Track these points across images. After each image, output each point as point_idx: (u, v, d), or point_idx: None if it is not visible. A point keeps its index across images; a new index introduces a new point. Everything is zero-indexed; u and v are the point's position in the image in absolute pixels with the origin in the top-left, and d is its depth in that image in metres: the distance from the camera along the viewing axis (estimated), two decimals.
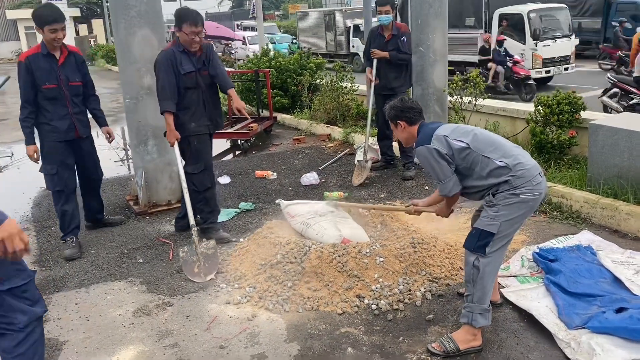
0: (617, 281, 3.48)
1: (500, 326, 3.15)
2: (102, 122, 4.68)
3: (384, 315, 3.32)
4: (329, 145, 7.82)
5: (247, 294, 3.62)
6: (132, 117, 5.20)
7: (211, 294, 3.72)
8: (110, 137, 4.75)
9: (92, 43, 33.37)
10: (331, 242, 3.85)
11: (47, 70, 4.18)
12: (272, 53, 10.91)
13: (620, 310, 3.05)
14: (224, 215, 5.04)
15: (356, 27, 21.24)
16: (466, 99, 6.59)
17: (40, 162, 4.39)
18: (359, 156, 6.60)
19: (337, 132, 8.15)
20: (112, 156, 7.85)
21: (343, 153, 7.16)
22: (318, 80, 9.76)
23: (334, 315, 3.36)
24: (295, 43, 23.32)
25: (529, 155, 2.99)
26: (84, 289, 3.90)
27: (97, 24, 38.71)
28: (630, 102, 10.04)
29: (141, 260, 4.33)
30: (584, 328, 3.00)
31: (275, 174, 6.47)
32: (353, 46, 21.96)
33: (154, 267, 4.20)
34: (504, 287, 3.55)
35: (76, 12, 37.75)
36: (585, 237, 4.17)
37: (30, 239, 4.92)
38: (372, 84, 6.12)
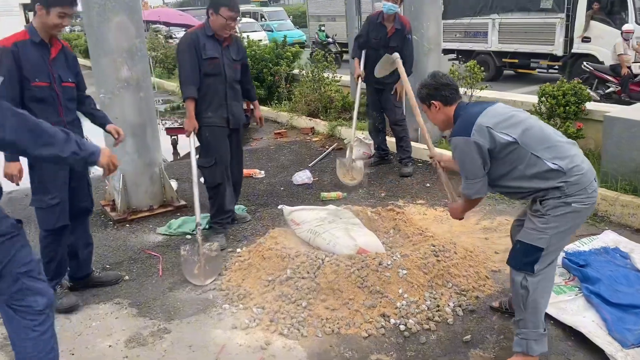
0: None
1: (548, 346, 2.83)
2: (106, 121, 3.60)
3: (416, 338, 2.96)
4: (314, 139, 7.40)
5: (255, 316, 3.20)
6: (108, 113, 4.45)
7: (213, 316, 3.28)
8: (119, 137, 3.53)
9: None
10: (346, 253, 3.46)
11: (38, 63, 3.18)
12: (245, 42, 10.36)
13: None
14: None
15: None
16: (461, 90, 6.28)
17: (21, 184, 3.31)
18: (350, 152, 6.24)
19: (320, 125, 7.73)
20: None
21: (331, 148, 6.76)
22: (296, 70, 9.30)
23: (359, 338, 2.98)
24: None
25: (583, 154, 2.61)
26: (63, 315, 3.37)
27: None
28: (606, 90, 10.02)
29: (127, 277, 3.83)
30: None
31: (262, 172, 6.02)
32: None
33: (143, 285, 3.72)
34: None
35: None
36: (609, 238, 3.92)
37: None
38: (359, 80, 5.73)
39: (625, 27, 10.33)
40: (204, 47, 3.98)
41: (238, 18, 4.08)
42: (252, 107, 4.70)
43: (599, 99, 9.61)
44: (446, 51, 14.39)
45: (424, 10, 6.01)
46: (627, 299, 3.09)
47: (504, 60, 13.23)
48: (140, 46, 4.62)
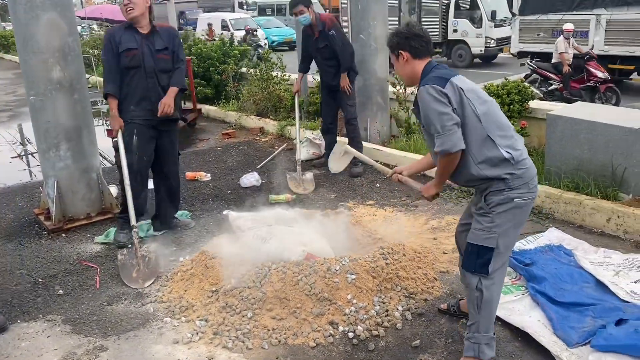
0: (600, 285, 3.29)
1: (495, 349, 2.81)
2: None
3: (364, 345, 2.89)
4: (263, 139, 7.26)
5: (198, 329, 3.05)
6: (39, 118, 4.36)
7: (154, 331, 3.11)
8: None
9: None
10: (293, 259, 3.35)
11: None
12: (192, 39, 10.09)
13: (619, 322, 2.83)
14: (142, 230, 4.34)
15: (458, 4, 15.39)
16: (409, 89, 6.28)
17: None
18: (300, 153, 6.13)
19: (270, 125, 7.60)
20: (6, 151, 6.84)
21: (281, 148, 6.63)
22: (244, 69, 9.12)
23: (307, 349, 2.88)
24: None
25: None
26: None
27: None
28: (549, 88, 10.32)
29: (61, 292, 3.59)
30: (585, 345, 2.75)
31: (208, 174, 5.83)
32: (455, 30, 15.49)
33: (78, 300, 3.49)
34: None
35: None
36: (553, 235, 3.97)
37: None
38: (297, 96, 5.80)
39: (566, 26, 10.66)
40: (120, 41, 3.91)
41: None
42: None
43: (542, 96, 9.88)
44: (522, 54, 12.12)
45: (370, 9, 5.97)
46: (571, 297, 3.12)
47: (610, 66, 10.38)
48: (73, 45, 4.36)
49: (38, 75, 4.27)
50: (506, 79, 5.55)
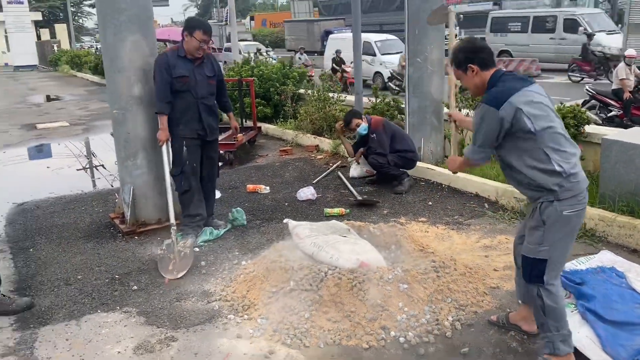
0: None
1: None
2: None
3: (415, 350, 3.05)
4: (318, 157, 7.54)
5: (259, 326, 3.30)
6: (120, 129, 4.80)
7: (219, 326, 3.38)
8: None
9: (55, 48, 32.21)
10: (348, 267, 3.56)
11: None
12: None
13: None
14: (205, 234, 4.72)
15: None
16: (464, 111, 6.42)
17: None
18: (354, 170, 6.37)
19: (325, 143, 7.88)
20: (72, 164, 7.40)
21: (335, 165, 6.88)
22: (302, 90, 9.49)
23: (360, 350, 3.07)
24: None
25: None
26: (74, 322, 3.50)
27: (60, 29, 37.48)
28: (609, 114, 10.14)
29: (135, 287, 3.94)
30: None
31: (267, 188, 6.15)
32: None
33: (151, 295, 3.82)
34: None
35: (38, 15, 36.54)
36: (606, 258, 3.99)
37: (6, 262, 4.47)
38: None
39: (628, 52, 10.52)
40: (174, 67, 4.38)
41: (211, 42, 4.56)
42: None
43: (601, 122, 9.75)
44: None
45: (428, 34, 6.18)
46: (621, 316, 3.17)
47: None
48: (152, 64, 4.78)
49: (121, 91, 4.70)
50: (562, 104, 5.61)
